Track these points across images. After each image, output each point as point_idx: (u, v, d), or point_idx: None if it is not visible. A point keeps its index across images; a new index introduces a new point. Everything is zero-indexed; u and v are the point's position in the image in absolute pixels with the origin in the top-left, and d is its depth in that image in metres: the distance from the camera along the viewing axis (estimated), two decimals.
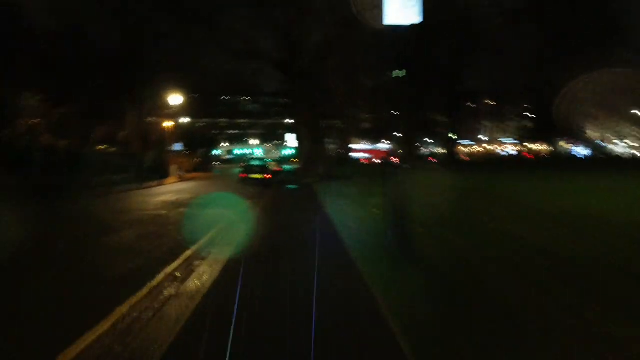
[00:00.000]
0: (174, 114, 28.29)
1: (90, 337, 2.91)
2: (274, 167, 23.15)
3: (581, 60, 28.02)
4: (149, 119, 25.85)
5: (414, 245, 4.98)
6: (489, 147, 61.63)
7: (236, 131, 69.92)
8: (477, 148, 61.96)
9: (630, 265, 4.43)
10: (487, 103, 54.73)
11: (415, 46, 4.71)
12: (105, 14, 17.64)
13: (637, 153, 44.06)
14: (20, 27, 14.03)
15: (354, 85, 20.15)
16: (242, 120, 69.52)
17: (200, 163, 37.49)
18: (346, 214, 8.75)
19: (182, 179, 26.04)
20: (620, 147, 45.94)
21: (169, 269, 4.71)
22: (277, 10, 19.94)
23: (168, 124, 27.76)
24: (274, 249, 5.65)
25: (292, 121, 36.55)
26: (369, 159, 54.29)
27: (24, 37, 14.16)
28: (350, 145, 50.03)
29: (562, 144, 50.39)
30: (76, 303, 3.77)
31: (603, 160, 39.89)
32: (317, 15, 19.23)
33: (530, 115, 49.89)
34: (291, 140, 47.65)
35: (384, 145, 56.43)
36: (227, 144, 69.12)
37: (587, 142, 46.70)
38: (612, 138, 44.83)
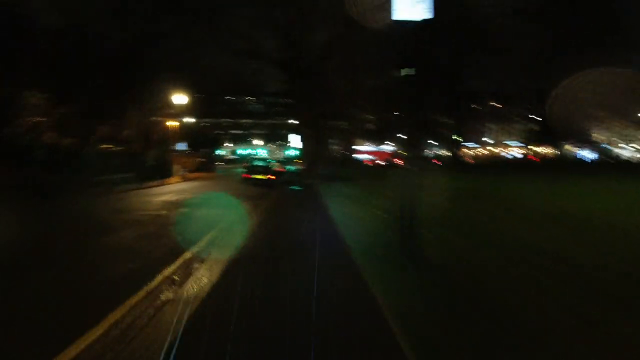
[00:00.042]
0: (177, 113, 28.27)
1: (80, 345, 2.80)
2: (277, 167, 23.07)
3: (583, 60, 27.79)
4: (152, 118, 25.84)
5: (416, 246, 4.94)
6: (494, 150, 61.34)
7: (240, 131, 70.02)
8: (482, 150, 61.68)
9: (630, 266, 4.52)
10: (492, 105, 54.44)
11: (419, 45, 4.59)
12: (107, 14, 17.63)
13: None
14: (21, 26, 14.03)
15: (355, 85, 20.05)
16: (245, 120, 69.60)
17: (204, 163, 37.41)
18: (348, 215, 8.70)
19: (185, 179, 26.01)
20: (627, 150, 45.55)
21: (166, 272, 4.61)
22: (277, 10, 19.89)
23: (171, 124, 27.80)
24: (274, 251, 5.58)
25: (296, 122, 36.53)
26: (372, 161, 54.13)
27: (26, 36, 14.16)
28: (353, 147, 49.96)
29: (568, 148, 50.03)
30: (67, 307, 3.65)
31: (611, 164, 39.57)
32: (317, 15, 19.17)
33: (535, 118, 49.58)
34: (295, 140, 47.58)
35: (387, 147, 56.29)
36: (231, 144, 69.23)
37: (594, 146, 46.37)
38: (619, 141, 44.45)
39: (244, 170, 22.04)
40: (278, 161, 32.03)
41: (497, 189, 15.52)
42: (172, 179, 24.74)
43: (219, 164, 49.70)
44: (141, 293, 3.88)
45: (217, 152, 55.20)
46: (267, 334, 2.90)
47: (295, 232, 7.20)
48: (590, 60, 27.46)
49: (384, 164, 45.81)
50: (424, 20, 4.43)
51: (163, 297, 3.77)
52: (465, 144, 53.47)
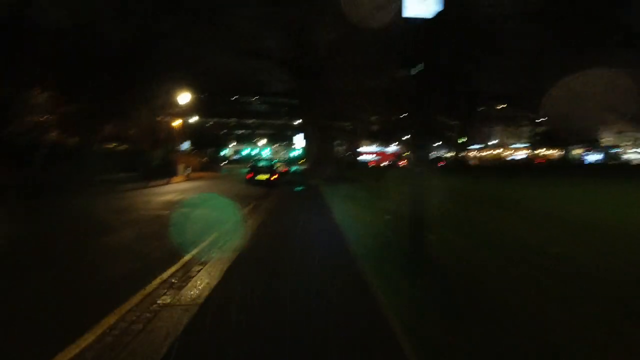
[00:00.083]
0: (183, 112, 28.32)
1: (73, 351, 2.74)
2: (281, 168, 23.07)
3: (583, 60, 27.56)
4: (158, 117, 25.91)
5: (420, 249, 4.89)
6: (499, 152, 61.00)
7: (244, 131, 70.07)
8: (487, 152, 61.36)
9: (629, 266, 4.54)
10: (498, 107, 54.12)
11: (429, 42, 4.55)
12: (111, 13, 17.67)
13: None
14: (22, 26, 14.08)
15: (359, 86, 19.98)
16: (250, 120, 69.64)
17: (208, 162, 37.55)
18: (351, 216, 8.67)
19: (189, 178, 26.11)
20: (636, 154, 45.09)
21: (165, 274, 4.54)
22: (282, 10, 19.86)
23: (176, 123, 27.88)
24: (277, 254, 5.50)
25: (300, 122, 36.51)
26: (377, 162, 54.02)
27: (27, 35, 14.21)
28: (358, 148, 49.86)
29: (575, 151, 49.62)
30: (61, 310, 3.58)
31: (620, 167, 39.14)
32: (321, 15, 19.11)
33: (541, 120, 49.21)
34: (300, 141, 47.57)
35: (392, 148, 56.16)
36: (235, 144, 69.33)
37: (600, 149, 45.95)
38: (628, 145, 44.00)
39: (248, 170, 22.08)
40: (282, 161, 32.01)
41: (501, 190, 15.47)
42: (177, 178, 24.83)
43: (223, 164, 49.83)
44: (139, 295, 3.84)
45: (222, 152, 55.32)
46: (266, 334, 2.87)
47: (300, 235, 7.13)
48: (590, 60, 27.28)
49: (388, 165, 45.71)
50: (433, 17, 4.40)
51: (160, 301, 3.69)
52: (471, 146, 53.22)
